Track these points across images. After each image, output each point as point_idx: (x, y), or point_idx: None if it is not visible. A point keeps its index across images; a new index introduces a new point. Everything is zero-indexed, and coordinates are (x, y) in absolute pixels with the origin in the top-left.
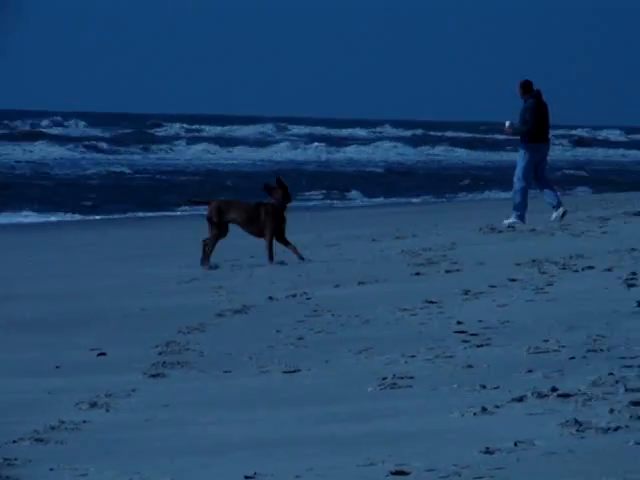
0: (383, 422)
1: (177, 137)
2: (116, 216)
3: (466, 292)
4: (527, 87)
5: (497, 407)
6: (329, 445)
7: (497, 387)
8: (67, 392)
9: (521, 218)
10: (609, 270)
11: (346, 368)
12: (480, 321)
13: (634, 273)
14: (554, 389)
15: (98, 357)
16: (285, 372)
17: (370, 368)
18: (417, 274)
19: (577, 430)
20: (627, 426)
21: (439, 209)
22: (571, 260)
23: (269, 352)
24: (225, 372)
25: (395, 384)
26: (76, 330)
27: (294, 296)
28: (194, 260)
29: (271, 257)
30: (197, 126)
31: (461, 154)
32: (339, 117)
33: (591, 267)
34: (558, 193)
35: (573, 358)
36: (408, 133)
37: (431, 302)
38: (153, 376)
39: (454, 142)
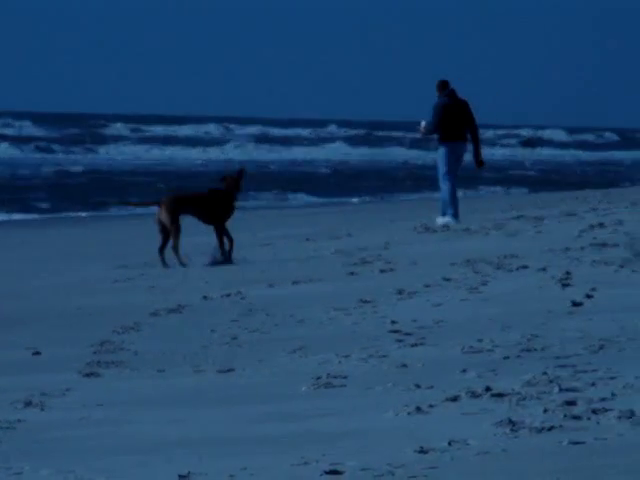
0: (317, 421)
1: (123, 137)
2: (54, 215)
3: (400, 292)
4: (440, 86)
5: (431, 406)
6: (263, 444)
7: (431, 387)
8: (2, 391)
9: (454, 216)
10: (543, 270)
11: (280, 368)
12: (414, 320)
13: (568, 273)
14: (488, 389)
15: (33, 356)
16: (219, 371)
17: (304, 367)
18: (351, 274)
19: (511, 430)
20: (561, 426)
21: (375, 208)
22: (505, 260)
23: (203, 351)
24: (159, 371)
25: (329, 383)
26: (11, 329)
27: (228, 295)
28: (129, 260)
29: (223, 249)
30: (141, 126)
31: (401, 152)
32: (284, 117)
33: (525, 267)
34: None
35: (507, 358)
36: (353, 133)
37: (365, 302)
38: (88, 375)
39: (401, 142)
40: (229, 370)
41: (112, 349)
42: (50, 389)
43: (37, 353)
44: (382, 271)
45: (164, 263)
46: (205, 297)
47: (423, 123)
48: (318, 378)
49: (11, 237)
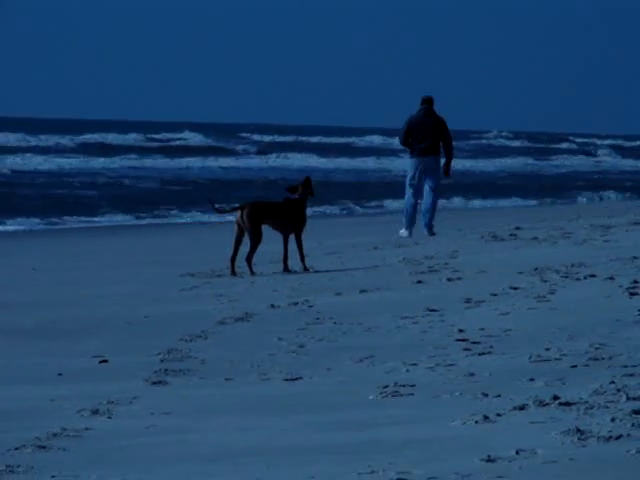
0: (384, 430)
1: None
2: (118, 223)
3: (468, 300)
4: (421, 101)
5: (499, 415)
6: (330, 453)
7: (499, 395)
8: (69, 399)
9: (408, 230)
10: (611, 278)
11: (347, 376)
12: (482, 329)
13: (636, 281)
14: (556, 397)
15: (100, 364)
16: (286, 380)
17: (372, 376)
18: (419, 282)
19: (579, 439)
20: (629, 435)
21: (439, 217)
22: (573, 268)
23: (270, 360)
24: (226, 380)
25: (397, 392)
26: (78, 337)
27: (296, 304)
28: (195, 268)
29: (303, 259)
30: (301, 137)
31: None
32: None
33: (593, 275)
34: (428, 216)
35: (575, 366)
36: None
37: (433, 310)
38: (155, 383)
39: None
40: (296, 378)
41: (179, 357)
42: (117, 397)
43: (104, 361)
44: (449, 280)
45: (233, 272)
46: (272, 305)
47: None
48: (385, 387)
49: (77, 245)
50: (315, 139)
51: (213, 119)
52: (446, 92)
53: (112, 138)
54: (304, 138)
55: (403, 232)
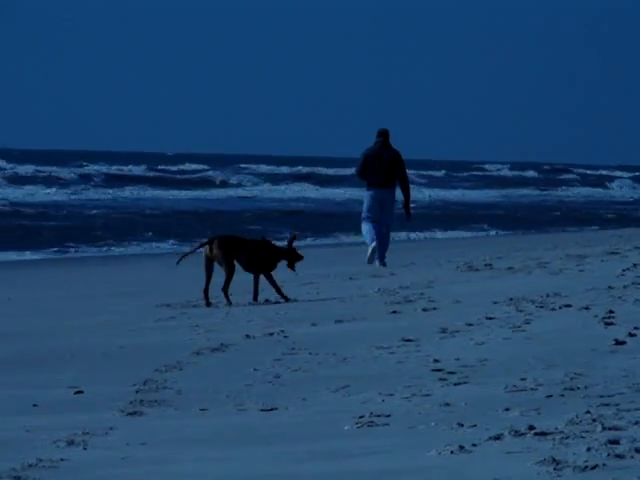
0: (360, 460)
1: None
2: (91, 254)
3: (443, 330)
4: (377, 133)
5: (474, 445)
6: None
7: (474, 425)
8: (45, 430)
9: (369, 260)
10: (586, 308)
11: (323, 406)
12: (457, 359)
13: (611, 311)
14: (531, 427)
15: (75, 395)
16: (262, 410)
17: (347, 406)
18: (394, 312)
19: (554, 469)
20: (604, 464)
21: (416, 247)
22: (548, 298)
23: (246, 390)
24: (202, 410)
25: (372, 422)
26: (53, 368)
27: (271, 334)
28: (171, 298)
29: (280, 292)
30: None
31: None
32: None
33: (568, 305)
34: (381, 250)
35: (550, 396)
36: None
37: (408, 340)
38: (130, 414)
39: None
40: (272, 409)
41: (155, 388)
42: (93, 428)
43: (79, 392)
44: (425, 310)
45: (208, 303)
46: (248, 336)
47: None
48: (361, 417)
49: (53, 275)
50: (317, 170)
51: (200, 150)
52: (446, 122)
53: (104, 169)
54: (305, 169)
55: (369, 249)
